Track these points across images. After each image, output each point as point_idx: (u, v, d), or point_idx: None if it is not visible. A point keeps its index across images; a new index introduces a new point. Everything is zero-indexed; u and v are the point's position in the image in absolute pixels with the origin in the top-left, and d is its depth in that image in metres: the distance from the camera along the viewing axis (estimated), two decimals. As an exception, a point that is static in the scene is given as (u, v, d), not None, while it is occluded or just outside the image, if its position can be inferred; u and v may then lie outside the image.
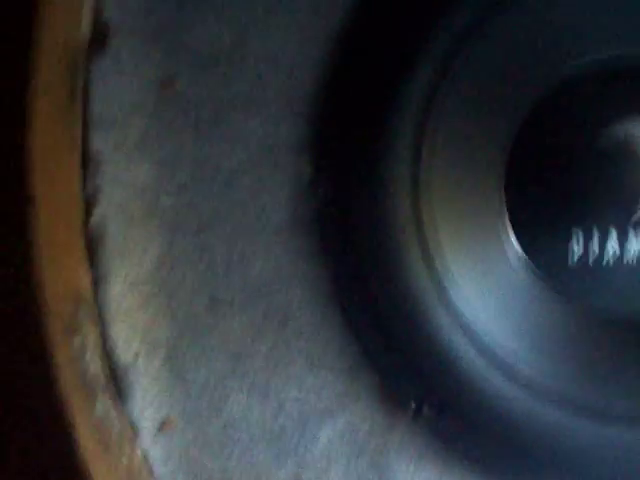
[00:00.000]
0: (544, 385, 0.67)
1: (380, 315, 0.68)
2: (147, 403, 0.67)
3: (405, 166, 0.66)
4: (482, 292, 0.68)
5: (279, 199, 0.68)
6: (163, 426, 0.67)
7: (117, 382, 0.66)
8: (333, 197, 0.68)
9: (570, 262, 0.69)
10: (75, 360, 0.65)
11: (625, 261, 0.69)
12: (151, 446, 0.67)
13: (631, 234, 0.68)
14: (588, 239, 0.69)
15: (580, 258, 0.69)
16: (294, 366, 0.68)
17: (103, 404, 0.65)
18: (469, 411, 0.67)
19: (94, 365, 0.65)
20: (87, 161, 0.65)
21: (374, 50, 0.67)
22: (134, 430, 0.66)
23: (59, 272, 0.64)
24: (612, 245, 0.68)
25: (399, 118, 0.66)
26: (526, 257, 0.69)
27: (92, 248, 0.65)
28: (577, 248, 0.69)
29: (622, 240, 0.68)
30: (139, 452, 0.66)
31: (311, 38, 0.67)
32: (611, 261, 0.69)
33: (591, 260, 0.69)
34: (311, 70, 0.68)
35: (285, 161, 0.68)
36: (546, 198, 0.69)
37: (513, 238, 0.69)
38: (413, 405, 0.69)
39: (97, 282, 0.65)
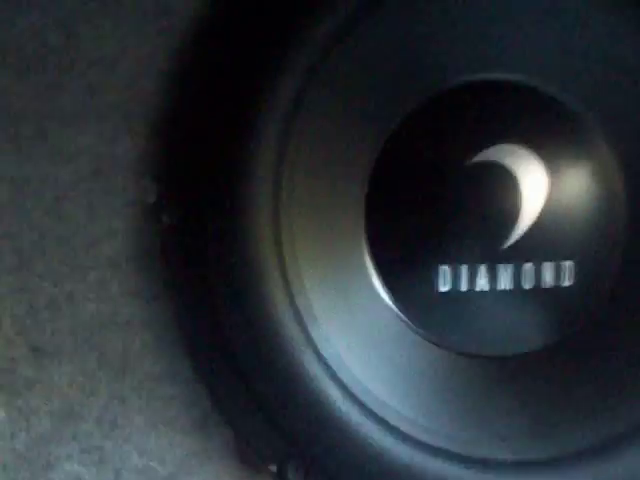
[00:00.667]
0: (418, 436, 0.60)
1: (235, 363, 0.59)
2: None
3: (264, 195, 0.58)
4: (347, 334, 0.61)
5: (114, 229, 0.59)
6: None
7: None
8: (179, 226, 0.59)
9: (437, 300, 0.63)
10: None
11: (496, 296, 0.64)
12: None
13: (500, 268, 0.64)
14: (456, 275, 0.63)
15: (448, 295, 0.63)
16: (132, 427, 0.58)
17: None
18: (338, 469, 0.60)
19: None
20: None
21: (229, 60, 0.59)
22: None
23: None
24: (482, 280, 0.63)
25: (256, 136, 0.58)
26: (390, 298, 0.63)
27: None
28: (444, 285, 0.63)
29: (491, 274, 0.64)
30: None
31: (155, 43, 0.58)
32: (481, 297, 0.64)
33: (460, 297, 0.63)
34: (154, 80, 0.59)
35: (121, 185, 0.59)
36: (410, 231, 0.62)
37: (376, 277, 0.62)
38: (274, 468, 0.61)
39: None
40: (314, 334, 0.59)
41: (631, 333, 0.63)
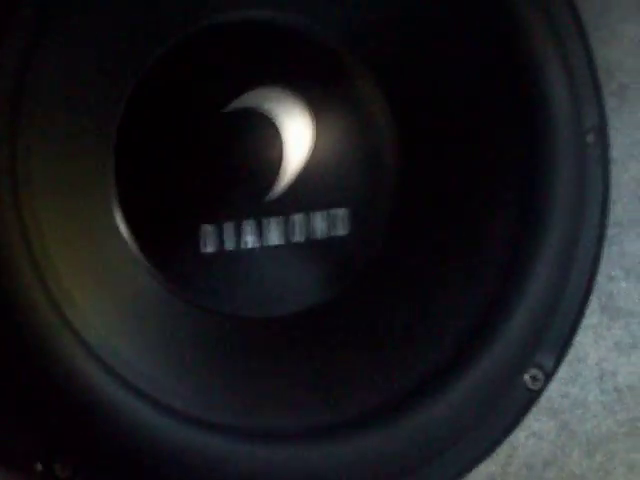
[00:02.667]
0: (191, 411, 0.55)
1: None
2: None
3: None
4: (105, 308, 0.55)
5: None
6: None
7: None
8: None
9: (202, 261, 0.58)
10: None
11: (266, 253, 0.59)
12: None
13: (267, 222, 0.59)
14: (220, 234, 0.58)
15: (214, 256, 0.58)
16: None
17: None
18: (108, 455, 0.54)
19: None
20: None
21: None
22: None
23: None
24: (249, 237, 0.59)
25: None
26: (150, 263, 0.57)
27: None
28: (208, 245, 0.58)
29: (258, 230, 0.59)
30: None
31: None
32: (250, 255, 0.59)
33: (227, 257, 0.58)
34: None
35: None
36: (166, 189, 0.56)
37: (132, 241, 0.57)
38: (39, 466, 0.54)
39: None
40: (68, 311, 0.53)
41: (409, 281, 0.60)
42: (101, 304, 0.55)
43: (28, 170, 0.52)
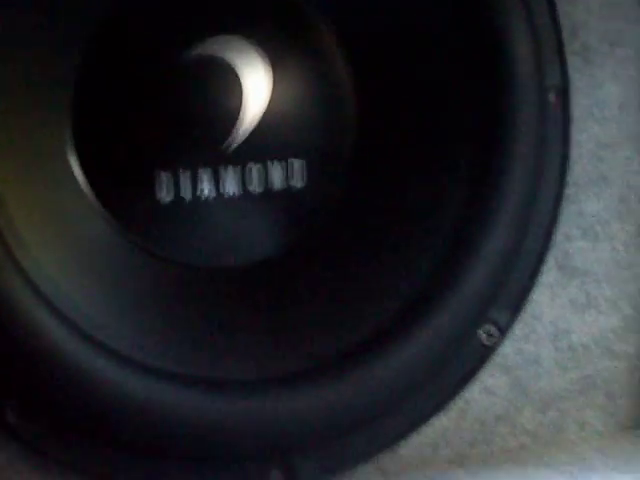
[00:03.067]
0: (145, 360, 0.54)
1: None
2: None
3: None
4: (61, 255, 0.54)
5: None
6: None
7: None
8: None
9: (159, 210, 0.56)
10: None
11: (224, 203, 0.59)
12: None
13: (224, 171, 0.58)
14: (176, 183, 0.57)
15: (168, 205, 0.57)
16: None
17: None
18: (57, 400, 0.54)
19: None
20: None
21: None
22: None
23: None
24: (204, 187, 0.58)
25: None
26: (107, 210, 0.56)
27: None
28: (165, 194, 0.58)
29: (215, 179, 0.59)
30: None
31: None
32: (208, 205, 0.59)
33: (184, 206, 0.57)
34: None
35: None
36: (124, 137, 0.56)
37: (88, 188, 0.56)
38: None
39: None
40: (22, 259, 0.52)
41: (364, 236, 0.60)
42: (55, 249, 0.54)
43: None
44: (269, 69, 0.58)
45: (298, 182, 0.59)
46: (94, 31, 0.55)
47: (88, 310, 0.54)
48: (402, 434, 0.59)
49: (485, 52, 0.58)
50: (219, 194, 0.58)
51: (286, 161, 0.58)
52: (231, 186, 0.58)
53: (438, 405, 0.60)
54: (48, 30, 0.53)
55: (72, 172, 0.55)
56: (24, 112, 0.54)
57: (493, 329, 0.60)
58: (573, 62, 0.62)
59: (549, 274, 0.62)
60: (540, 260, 0.61)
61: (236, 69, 0.57)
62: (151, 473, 0.55)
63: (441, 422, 0.61)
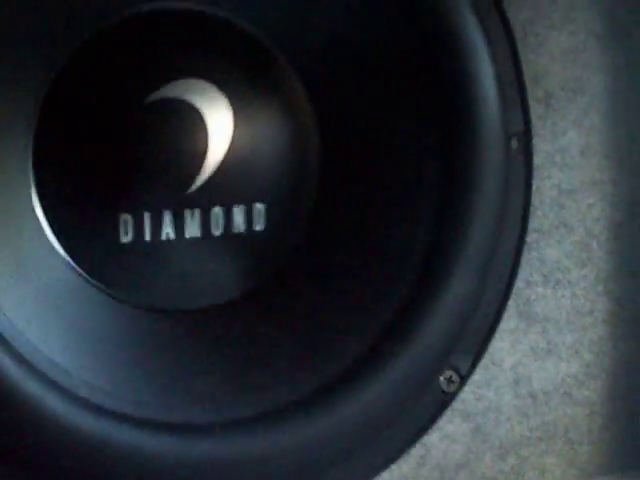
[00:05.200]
0: (107, 405, 0.53)
1: None
2: None
3: None
4: (21, 297, 0.53)
5: None
6: None
7: None
8: None
9: (120, 251, 0.56)
10: None
11: (184, 245, 0.59)
12: None
13: (187, 214, 0.58)
14: (138, 224, 0.57)
15: (131, 246, 0.56)
16: None
17: None
18: (17, 447, 0.53)
19: None
20: None
21: None
22: None
23: None
24: (167, 228, 0.58)
25: None
26: (67, 252, 0.55)
27: None
28: (126, 235, 0.56)
29: (178, 222, 0.58)
30: None
31: None
32: (168, 247, 0.58)
33: (145, 248, 0.57)
34: None
35: None
36: (86, 179, 0.56)
37: (49, 230, 0.55)
38: None
39: None
40: None
41: (328, 276, 0.59)
42: (14, 289, 0.54)
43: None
44: (231, 111, 0.58)
45: (259, 225, 0.59)
46: (57, 71, 0.55)
47: (48, 352, 0.54)
48: (362, 480, 0.59)
49: (448, 96, 0.58)
50: (181, 237, 0.57)
51: (249, 205, 0.58)
52: (193, 228, 0.57)
53: (397, 452, 0.59)
54: (7, 68, 0.53)
55: (34, 212, 0.55)
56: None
57: (454, 375, 0.60)
58: (535, 109, 0.62)
59: (510, 320, 0.62)
60: (501, 306, 0.61)
61: (200, 112, 0.57)
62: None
63: (400, 469, 0.61)
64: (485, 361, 0.61)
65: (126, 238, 0.57)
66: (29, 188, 0.55)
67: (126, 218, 0.56)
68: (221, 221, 0.58)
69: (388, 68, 0.59)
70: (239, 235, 0.58)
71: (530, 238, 0.62)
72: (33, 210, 0.55)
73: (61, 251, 0.56)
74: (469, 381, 0.60)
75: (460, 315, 0.59)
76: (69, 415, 0.52)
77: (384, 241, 0.59)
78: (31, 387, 0.52)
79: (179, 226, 0.57)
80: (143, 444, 0.53)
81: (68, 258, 0.56)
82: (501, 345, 0.62)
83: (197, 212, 0.57)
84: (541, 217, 0.63)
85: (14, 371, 0.52)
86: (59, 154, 0.55)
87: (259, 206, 0.58)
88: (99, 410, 0.53)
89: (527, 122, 0.61)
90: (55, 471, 0.53)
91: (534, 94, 0.62)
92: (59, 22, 0.54)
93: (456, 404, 0.61)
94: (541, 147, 0.62)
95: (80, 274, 0.56)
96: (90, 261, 0.56)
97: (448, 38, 0.57)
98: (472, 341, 0.60)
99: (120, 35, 0.56)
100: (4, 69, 0.53)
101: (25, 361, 0.52)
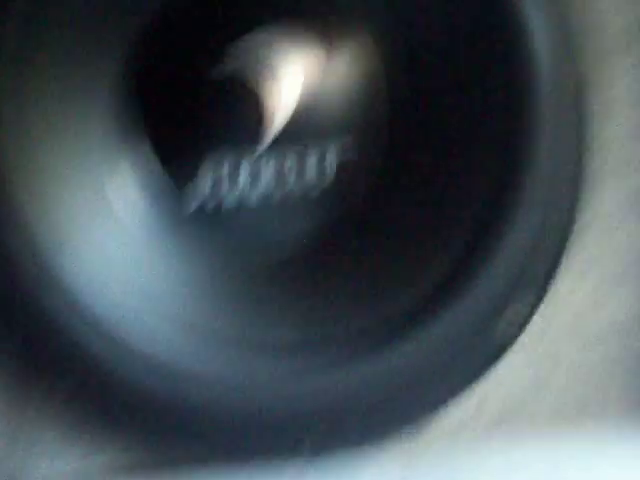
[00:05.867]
0: (173, 359, 0.58)
1: None
2: None
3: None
4: (93, 258, 0.58)
5: None
6: None
7: None
8: None
9: (201, 202, 0.61)
10: None
11: (260, 193, 0.61)
12: None
13: (262, 163, 0.61)
14: (219, 174, 0.61)
15: (204, 204, 0.61)
16: None
17: None
18: (99, 394, 0.58)
19: None
20: None
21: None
22: None
23: None
24: (245, 177, 0.60)
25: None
26: (141, 202, 0.61)
27: None
28: (207, 185, 0.60)
29: (255, 169, 0.61)
30: None
31: None
32: (244, 195, 0.61)
33: (223, 197, 0.61)
34: None
35: None
36: (164, 131, 0.60)
37: (132, 183, 0.60)
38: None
39: None
40: (50, 258, 0.57)
41: (391, 226, 0.63)
42: (86, 251, 0.58)
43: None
44: (301, 61, 0.61)
45: (331, 173, 0.62)
46: (139, 33, 0.59)
47: (117, 305, 0.58)
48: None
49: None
50: (255, 189, 0.61)
51: (322, 152, 0.62)
52: (267, 179, 0.61)
53: (459, 387, 0.63)
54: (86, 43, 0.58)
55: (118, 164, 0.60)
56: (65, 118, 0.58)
57: (514, 317, 0.63)
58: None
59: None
60: (561, 249, 0.64)
61: (272, 61, 0.61)
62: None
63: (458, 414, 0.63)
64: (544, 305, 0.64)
65: (204, 192, 0.61)
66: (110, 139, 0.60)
67: (204, 170, 0.61)
68: (295, 170, 0.61)
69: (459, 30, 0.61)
70: (311, 183, 0.62)
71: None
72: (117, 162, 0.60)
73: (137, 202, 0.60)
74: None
75: (523, 255, 0.61)
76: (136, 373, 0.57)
77: (450, 188, 0.62)
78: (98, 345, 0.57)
79: (255, 176, 0.61)
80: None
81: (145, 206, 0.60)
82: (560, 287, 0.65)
83: (271, 161, 0.61)
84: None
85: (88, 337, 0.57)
86: (138, 114, 0.60)
87: (330, 154, 0.62)
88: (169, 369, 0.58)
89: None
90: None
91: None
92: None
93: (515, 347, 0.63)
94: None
95: (157, 223, 0.61)
96: (168, 212, 0.61)
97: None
98: (533, 283, 0.63)
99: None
100: (89, 36, 0.58)
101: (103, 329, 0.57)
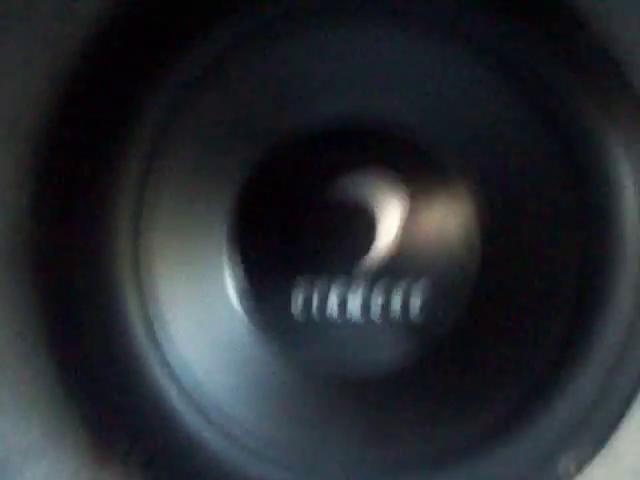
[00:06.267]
0: (262, 447, 0.64)
1: (92, 364, 0.63)
2: None
3: (125, 218, 0.62)
4: (199, 346, 0.65)
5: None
6: None
7: None
8: (47, 239, 0.63)
9: (292, 317, 0.67)
10: None
11: (347, 317, 0.67)
12: None
13: (353, 290, 0.67)
14: (310, 294, 0.67)
15: (302, 313, 0.67)
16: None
17: None
18: (180, 465, 0.65)
19: None
20: None
21: (95, 99, 0.62)
22: None
23: None
24: (334, 301, 0.67)
25: (119, 169, 0.61)
26: (246, 311, 0.67)
27: None
28: (299, 303, 0.67)
29: (344, 296, 0.67)
30: None
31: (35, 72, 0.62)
32: (333, 317, 0.67)
33: (313, 316, 0.67)
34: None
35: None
36: (269, 252, 0.67)
37: (233, 292, 0.67)
38: (125, 446, 0.65)
39: None
40: (171, 357, 0.63)
41: (478, 355, 0.67)
42: (198, 343, 0.65)
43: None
44: (402, 205, 0.67)
45: (418, 309, 0.67)
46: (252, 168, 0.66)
47: (220, 397, 0.65)
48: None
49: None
50: (344, 309, 0.67)
51: (409, 289, 0.67)
52: (354, 303, 0.67)
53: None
54: (207, 175, 0.65)
55: (223, 281, 0.67)
56: (186, 240, 0.66)
57: (572, 461, 0.65)
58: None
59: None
60: (632, 395, 0.66)
61: (372, 204, 0.66)
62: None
63: None
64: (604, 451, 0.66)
65: (299, 304, 0.67)
66: (222, 264, 0.67)
67: (300, 286, 0.67)
68: (380, 303, 0.67)
69: (542, 184, 0.65)
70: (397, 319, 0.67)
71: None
72: (224, 280, 0.67)
73: (243, 310, 0.67)
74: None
75: (590, 398, 0.64)
76: (247, 467, 0.63)
77: (531, 324, 0.66)
78: (208, 437, 0.63)
79: (344, 299, 0.67)
80: None
81: (249, 315, 0.67)
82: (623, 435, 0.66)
83: (359, 293, 0.67)
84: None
85: (192, 421, 0.63)
86: (249, 234, 0.67)
87: (420, 292, 0.67)
88: (274, 465, 0.64)
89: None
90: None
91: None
92: (261, 124, 0.65)
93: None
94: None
95: (257, 330, 0.67)
96: (266, 320, 0.67)
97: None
98: (596, 428, 0.65)
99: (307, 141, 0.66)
100: (213, 162, 0.65)
101: (203, 412, 0.63)
